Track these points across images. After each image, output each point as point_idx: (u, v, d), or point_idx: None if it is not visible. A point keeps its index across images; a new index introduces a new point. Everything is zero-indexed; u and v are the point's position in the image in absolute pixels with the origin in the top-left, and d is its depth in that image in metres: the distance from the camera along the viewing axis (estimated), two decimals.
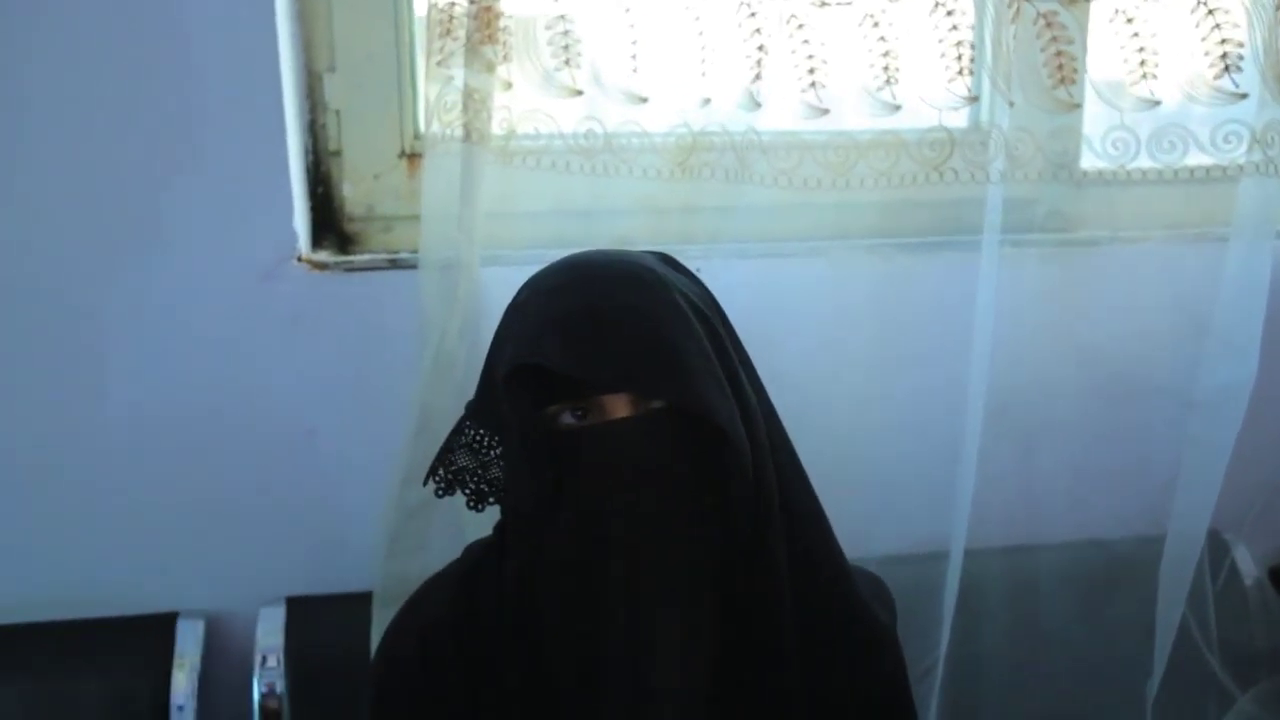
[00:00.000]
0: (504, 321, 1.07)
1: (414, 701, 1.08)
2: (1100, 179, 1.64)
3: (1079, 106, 1.50)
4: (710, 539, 1.01)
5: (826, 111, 1.49)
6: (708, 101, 1.48)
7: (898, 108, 1.47)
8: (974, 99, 1.47)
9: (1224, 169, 1.50)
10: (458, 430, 1.12)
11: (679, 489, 1.00)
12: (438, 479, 1.12)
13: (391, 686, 1.09)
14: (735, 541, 1.01)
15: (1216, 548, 1.69)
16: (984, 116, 1.52)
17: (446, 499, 1.17)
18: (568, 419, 1.01)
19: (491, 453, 1.11)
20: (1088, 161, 1.55)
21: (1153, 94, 1.47)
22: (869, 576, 1.19)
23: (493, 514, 1.14)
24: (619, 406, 1.00)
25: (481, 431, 1.11)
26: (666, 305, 1.01)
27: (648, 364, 0.98)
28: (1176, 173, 1.52)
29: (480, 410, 1.10)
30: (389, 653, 1.12)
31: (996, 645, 1.62)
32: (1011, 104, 1.46)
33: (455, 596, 1.10)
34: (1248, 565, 1.72)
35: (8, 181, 1.47)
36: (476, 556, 1.13)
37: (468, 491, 1.12)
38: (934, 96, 1.47)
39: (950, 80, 1.45)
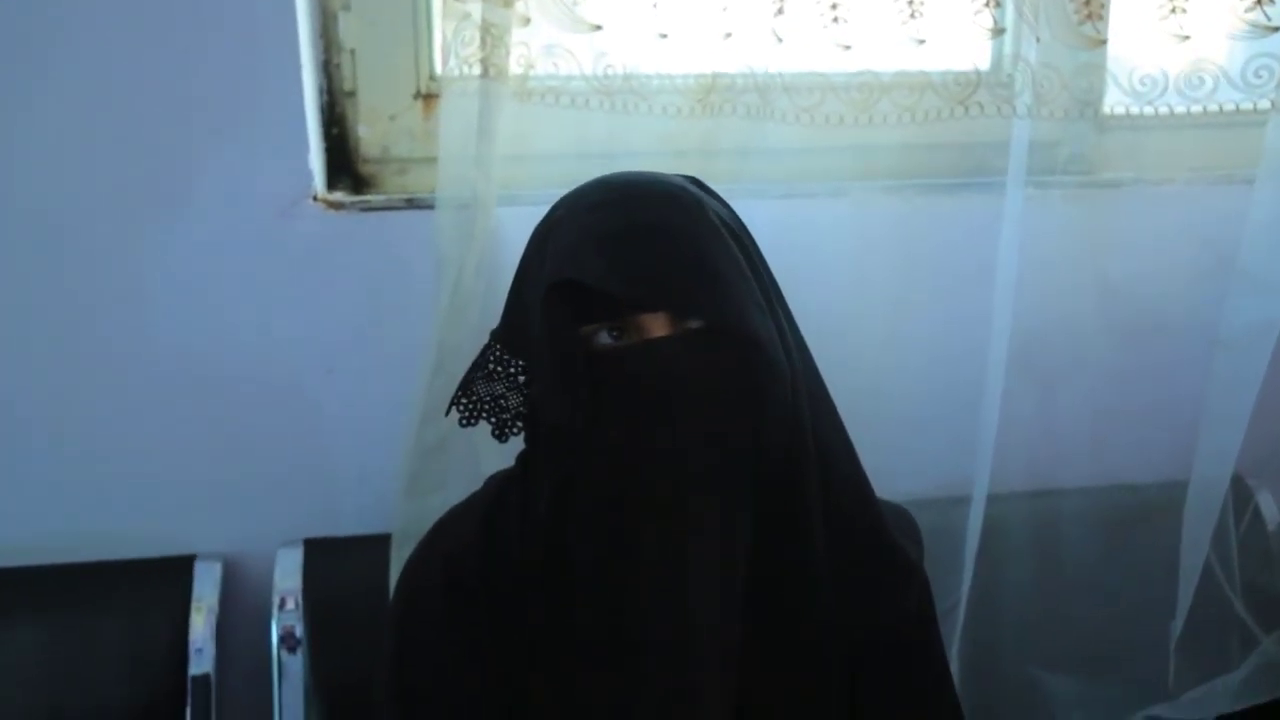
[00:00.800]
0: (536, 239, 1.06)
1: (437, 629, 1.07)
2: (1123, 122, 1.62)
3: (1105, 42, 1.47)
4: (747, 460, 1.00)
5: (849, 48, 1.47)
6: (729, 36, 1.46)
7: (922, 42, 1.45)
8: (1000, 31, 1.44)
9: (1253, 107, 1.47)
10: (482, 358, 1.10)
11: (719, 407, 0.98)
12: (461, 408, 1.11)
13: (414, 615, 1.09)
14: (769, 464, 1.00)
15: (1240, 493, 1.68)
16: (1008, 49, 1.50)
17: (465, 436, 1.16)
18: (604, 339, 0.99)
19: (517, 379, 1.09)
20: (1115, 99, 1.53)
21: (1181, 29, 1.45)
22: (897, 509, 1.18)
23: (513, 447, 1.13)
24: (657, 325, 0.98)
25: (506, 358, 1.09)
26: (705, 224, 1.00)
27: (689, 282, 0.97)
28: (1204, 111, 1.49)
29: (507, 334, 1.09)
30: (411, 581, 1.11)
31: (1019, 586, 1.62)
32: (1038, 39, 1.44)
33: (478, 526, 1.09)
34: (1271, 511, 1.71)
35: (27, 128, 1.45)
36: (499, 486, 1.12)
37: (492, 420, 1.10)
38: (960, 29, 1.44)
39: (977, 12, 1.43)
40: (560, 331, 0.99)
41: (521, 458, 1.11)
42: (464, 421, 1.11)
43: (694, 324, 0.99)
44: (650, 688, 1.00)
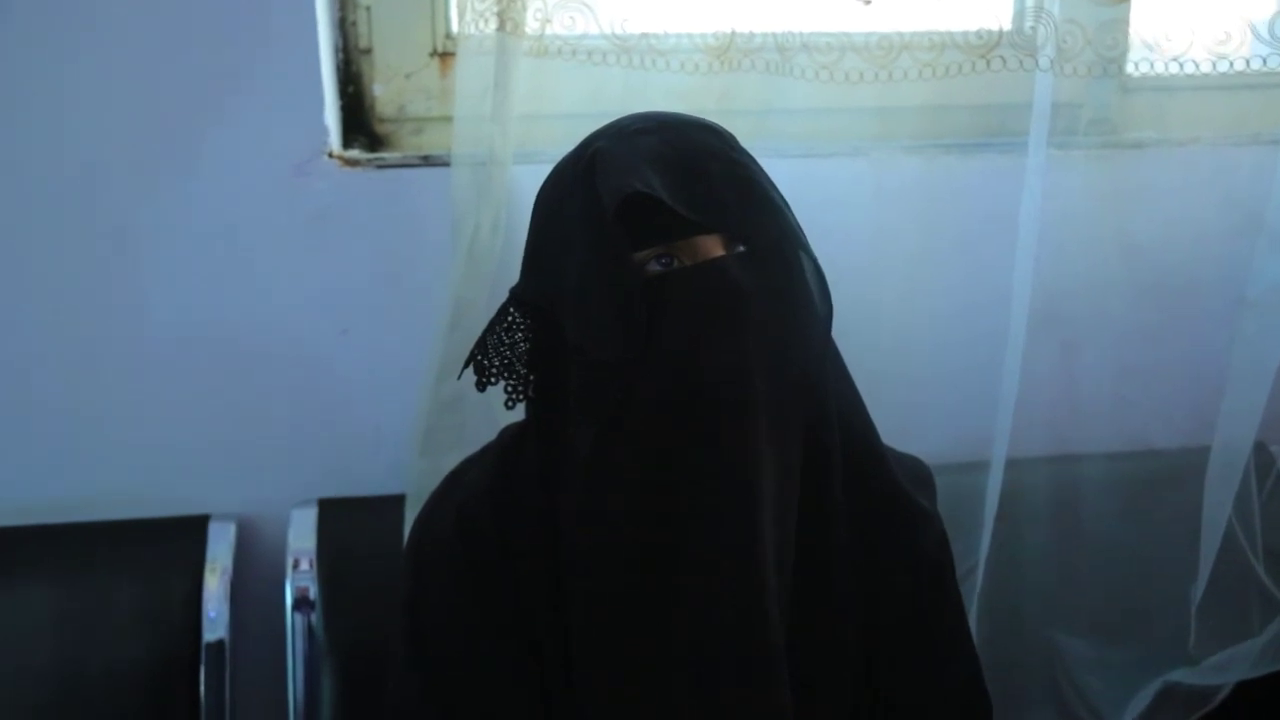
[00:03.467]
0: (571, 171, 1.03)
1: (452, 577, 1.06)
2: (1148, 83, 1.59)
3: None
4: (802, 383, 1.00)
5: (869, 2, 1.46)
6: None
7: None
8: None
9: (1274, 73, 1.45)
10: (500, 317, 1.08)
11: (779, 324, 0.98)
12: (476, 368, 1.08)
13: (429, 562, 1.08)
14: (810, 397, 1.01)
15: (1262, 458, 1.66)
16: (1030, 2, 1.48)
17: (480, 394, 1.14)
18: (654, 267, 0.98)
19: (524, 344, 1.07)
20: (1140, 56, 1.51)
21: None
22: (910, 460, 1.18)
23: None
24: (713, 246, 0.98)
25: (522, 320, 1.07)
26: (745, 153, 1.02)
27: (746, 204, 0.98)
28: (1230, 69, 1.47)
29: (529, 286, 1.06)
30: (426, 529, 1.10)
31: (1038, 550, 1.60)
32: None
33: (492, 475, 1.08)
34: None
35: (41, 87, 1.44)
36: (514, 436, 1.11)
37: (507, 383, 1.08)
38: None
39: None
40: (617, 254, 0.97)
41: (533, 412, 1.09)
42: (480, 385, 1.09)
43: (741, 248, 0.98)
44: (706, 618, 0.98)
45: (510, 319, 1.08)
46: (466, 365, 1.09)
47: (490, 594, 1.05)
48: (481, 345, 1.09)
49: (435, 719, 1.05)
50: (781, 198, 1.03)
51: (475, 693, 1.05)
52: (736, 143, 1.04)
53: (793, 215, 1.04)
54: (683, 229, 0.97)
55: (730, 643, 0.97)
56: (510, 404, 1.09)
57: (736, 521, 0.96)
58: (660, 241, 0.97)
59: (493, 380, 1.09)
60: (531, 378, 1.08)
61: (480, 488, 1.08)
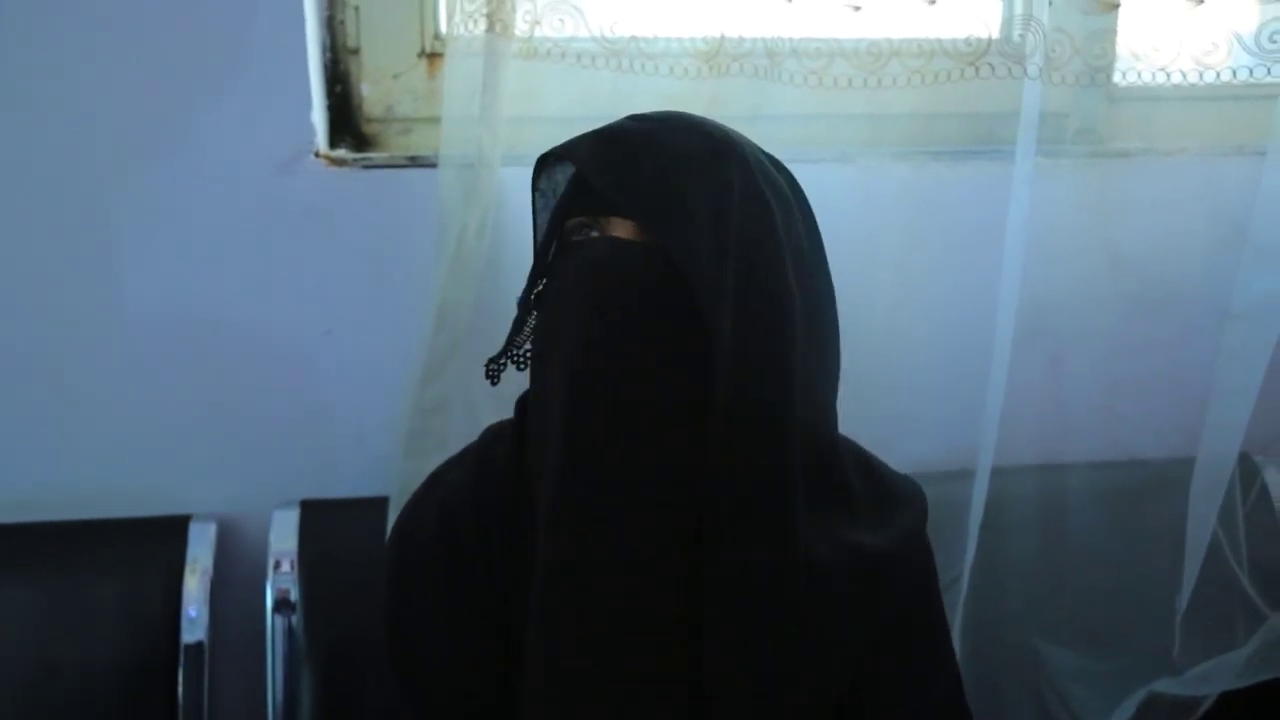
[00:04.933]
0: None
1: (432, 578, 1.05)
2: (1134, 93, 1.60)
3: (1118, 6, 1.46)
4: (677, 381, 0.97)
5: (859, 8, 1.46)
6: None
7: (933, 2, 1.43)
8: None
9: (1267, 71, 1.46)
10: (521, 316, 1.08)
11: (645, 318, 0.96)
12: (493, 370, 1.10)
13: (409, 564, 1.07)
14: (708, 395, 0.97)
15: (1247, 470, 1.66)
16: (1019, 11, 1.48)
17: (464, 397, 1.15)
18: (576, 237, 1.01)
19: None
20: (1127, 66, 1.51)
21: None
22: (906, 485, 1.15)
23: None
24: (622, 230, 0.99)
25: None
26: (713, 156, 1.00)
27: (658, 199, 0.97)
28: (1217, 80, 1.48)
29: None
30: (406, 530, 1.09)
31: (1023, 559, 1.60)
32: (1051, 2, 1.42)
33: (472, 475, 1.08)
34: (1278, 488, 1.69)
35: (27, 83, 1.44)
36: (493, 435, 1.11)
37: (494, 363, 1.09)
38: None
39: None
40: (543, 209, 1.05)
41: (519, 403, 1.09)
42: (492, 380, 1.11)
43: (658, 244, 0.97)
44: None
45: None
46: (498, 371, 1.11)
47: (471, 596, 1.04)
48: (507, 349, 1.10)
49: None
50: (727, 215, 0.99)
51: (456, 695, 1.05)
52: (729, 147, 1.01)
53: (727, 217, 0.99)
54: (601, 206, 0.99)
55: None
56: (492, 379, 1.10)
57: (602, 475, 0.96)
58: (584, 213, 1.01)
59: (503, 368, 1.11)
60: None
61: (462, 488, 1.08)
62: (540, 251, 1.05)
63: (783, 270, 1.03)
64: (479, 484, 1.07)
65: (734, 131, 1.07)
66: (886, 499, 1.12)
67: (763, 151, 1.09)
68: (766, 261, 1.02)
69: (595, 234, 1.00)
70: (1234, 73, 1.46)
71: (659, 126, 1.02)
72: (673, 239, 0.96)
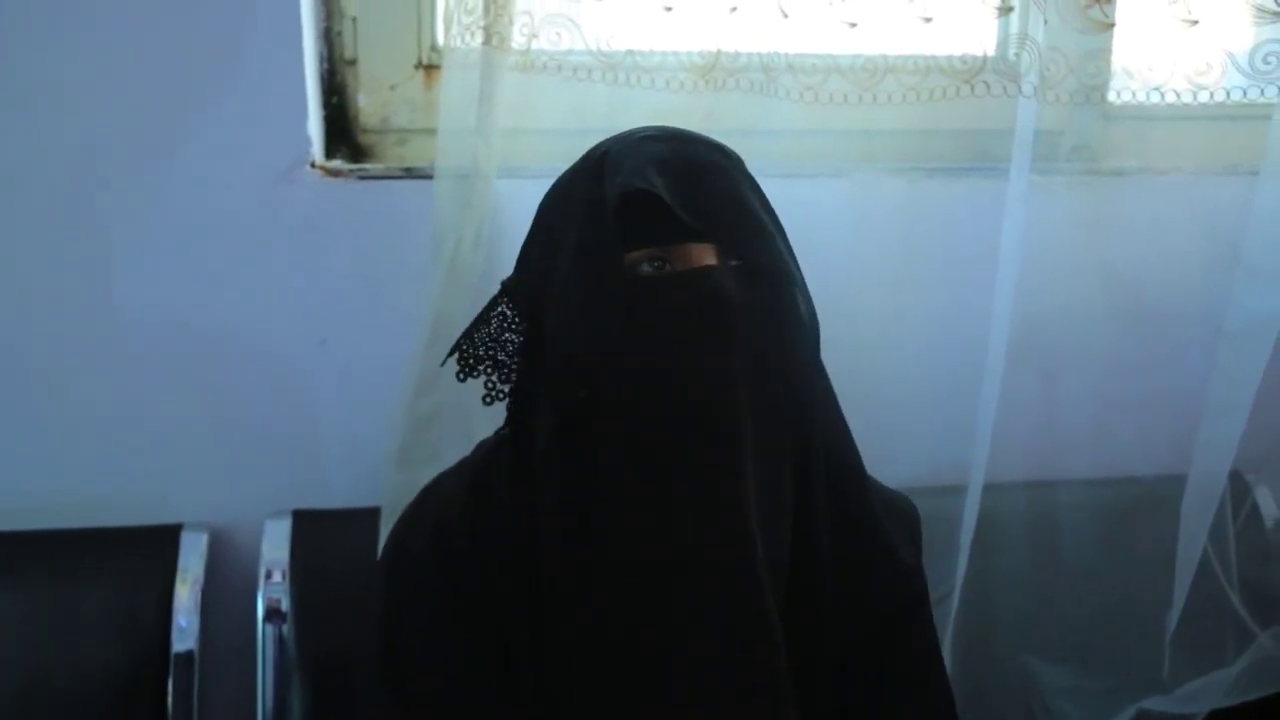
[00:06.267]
0: (581, 174, 1.04)
1: (426, 591, 1.05)
2: (1129, 111, 1.61)
3: (1112, 26, 1.47)
4: (782, 400, 1.00)
5: (855, 25, 1.46)
6: (734, 10, 1.45)
7: (929, 20, 1.44)
8: (1009, 9, 1.43)
9: (1260, 93, 1.46)
10: (489, 309, 1.08)
11: (764, 338, 0.99)
12: (461, 358, 1.09)
13: (403, 576, 1.07)
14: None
15: (1238, 488, 1.67)
16: (1015, 30, 1.48)
17: (458, 408, 1.14)
18: (644, 269, 0.98)
19: (515, 338, 1.08)
20: (1122, 85, 1.52)
21: (1190, 13, 1.43)
22: (900, 501, 1.17)
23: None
24: (705, 256, 0.98)
25: (510, 311, 1.08)
26: (746, 175, 1.05)
27: (741, 219, 0.99)
28: (1211, 100, 1.48)
29: (520, 283, 1.07)
30: (400, 543, 1.09)
31: (1014, 576, 1.61)
32: (1046, 20, 1.43)
33: (467, 488, 1.08)
34: (1269, 507, 1.70)
35: (24, 92, 1.44)
36: (490, 449, 1.10)
37: (488, 375, 1.08)
38: (967, 5, 1.44)
39: None
40: (609, 250, 0.97)
41: (511, 418, 1.09)
42: (461, 375, 1.09)
43: (734, 261, 0.99)
44: (701, 635, 0.96)
45: (499, 311, 1.09)
46: (451, 354, 1.10)
47: (465, 610, 1.04)
48: (469, 336, 1.09)
49: None
50: (778, 224, 1.04)
51: (448, 710, 1.04)
52: (743, 165, 1.06)
53: (787, 242, 1.04)
54: (679, 233, 0.97)
55: (730, 660, 0.95)
56: (488, 400, 1.09)
57: (724, 528, 0.95)
58: (655, 243, 0.98)
59: (474, 373, 1.09)
60: (513, 368, 1.08)
61: (456, 502, 1.07)
62: (601, 291, 0.99)
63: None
64: (475, 498, 1.06)
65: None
66: (895, 510, 1.15)
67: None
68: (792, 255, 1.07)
69: (665, 265, 0.98)
70: (1228, 93, 1.45)
71: (684, 145, 1.03)
72: (774, 257, 1.00)
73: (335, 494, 1.57)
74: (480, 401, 1.10)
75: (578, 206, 1.01)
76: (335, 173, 1.53)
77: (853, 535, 1.07)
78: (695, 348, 0.96)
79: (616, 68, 1.48)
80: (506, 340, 1.08)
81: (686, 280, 0.98)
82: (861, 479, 1.10)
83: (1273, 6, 1.40)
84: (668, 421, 0.96)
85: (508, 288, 1.08)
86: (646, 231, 0.97)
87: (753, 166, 1.49)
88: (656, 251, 0.98)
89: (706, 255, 0.98)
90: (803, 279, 1.05)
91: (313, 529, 1.56)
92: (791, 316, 1.02)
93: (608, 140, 1.06)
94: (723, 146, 1.06)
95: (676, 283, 0.98)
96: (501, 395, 1.09)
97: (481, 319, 1.09)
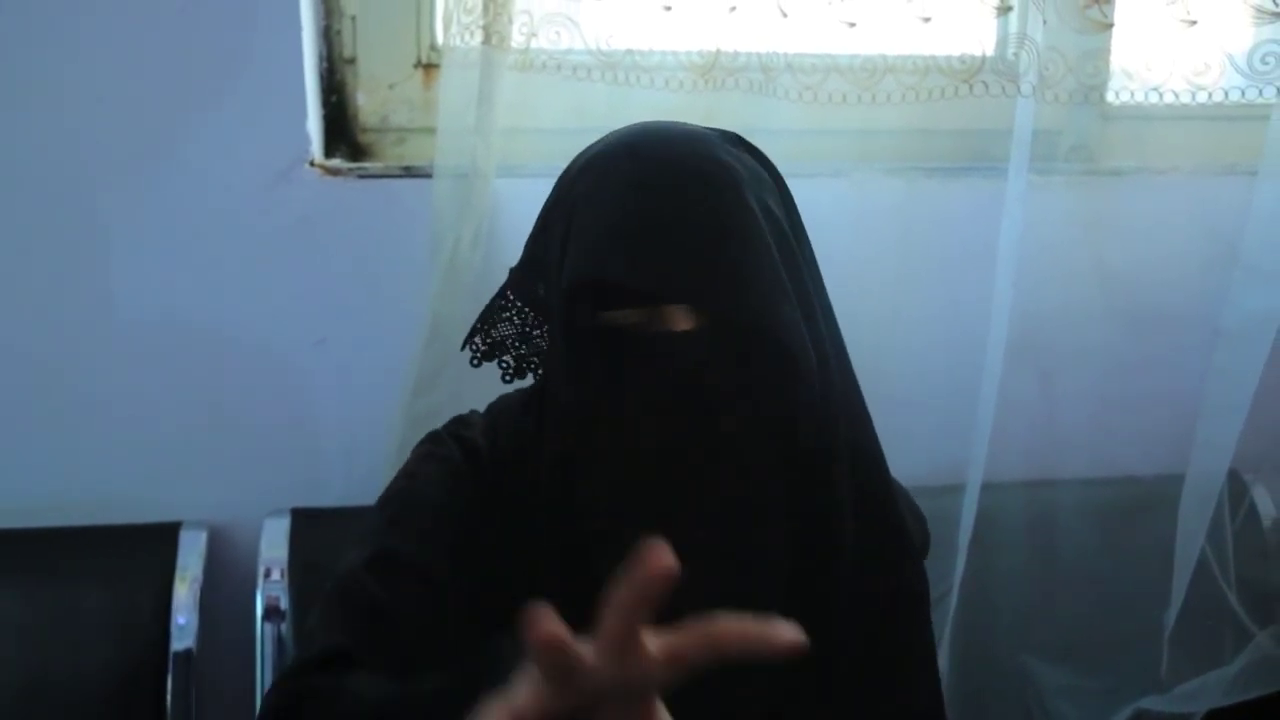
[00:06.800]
0: (560, 201, 1.02)
1: (450, 476, 1.04)
2: (1127, 111, 1.61)
3: (1111, 26, 1.47)
4: (779, 450, 0.98)
5: (854, 25, 1.47)
6: (733, 9, 1.45)
7: (928, 20, 1.44)
8: (1008, 8, 1.44)
9: (1259, 93, 1.46)
10: (499, 297, 1.08)
11: (749, 401, 0.97)
12: (474, 347, 1.09)
13: (429, 458, 1.06)
14: (800, 454, 0.99)
15: (1236, 488, 1.67)
16: (1014, 29, 1.49)
17: (457, 407, 1.13)
18: (627, 319, 0.97)
19: (533, 328, 1.08)
20: (1120, 85, 1.52)
21: (1189, 13, 1.44)
22: (905, 496, 1.16)
23: None
24: (679, 317, 0.96)
25: (518, 304, 1.08)
26: (734, 206, 0.96)
27: (708, 277, 0.95)
28: (1209, 100, 1.49)
29: (522, 284, 1.07)
30: (428, 448, 1.07)
31: (1012, 575, 1.61)
32: (1045, 20, 1.43)
33: (485, 432, 1.07)
34: (1266, 506, 1.70)
35: (24, 91, 1.44)
36: (520, 399, 1.10)
37: (505, 364, 1.09)
38: (966, 5, 1.44)
39: None
40: (581, 324, 0.97)
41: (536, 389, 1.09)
42: (475, 361, 1.09)
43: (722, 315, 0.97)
44: None
45: (505, 307, 1.09)
46: (466, 344, 1.09)
47: (470, 535, 1.02)
48: (483, 322, 1.09)
49: (378, 597, 1.03)
50: (770, 253, 0.97)
51: (419, 595, 1.01)
52: (735, 190, 0.97)
53: (790, 263, 1.00)
54: (646, 298, 0.96)
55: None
56: (508, 379, 1.10)
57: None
58: (626, 306, 0.97)
59: (490, 358, 1.09)
60: (526, 365, 1.10)
61: (477, 439, 1.06)
62: (579, 355, 0.99)
63: (816, 274, 1.07)
64: (490, 443, 1.06)
65: (712, 139, 1.03)
66: (912, 510, 1.15)
67: (727, 136, 1.06)
68: (812, 275, 1.04)
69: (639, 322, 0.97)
70: (1226, 93, 1.46)
71: (659, 183, 0.96)
72: (747, 311, 0.96)
73: (334, 492, 1.57)
74: (479, 398, 1.11)
75: (555, 246, 1.00)
76: (334, 171, 1.53)
77: (877, 534, 1.06)
78: (680, 415, 0.96)
79: (616, 67, 1.48)
80: (511, 326, 1.09)
81: (662, 343, 0.96)
82: (885, 479, 1.09)
83: (1271, 7, 1.40)
84: (665, 483, 0.97)
85: (512, 283, 1.08)
86: (617, 297, 0.96)
87: None
88: (634, 314, 0.97)
89: (679, 316, 0.96)
90: (812, 292, 1.03)
91: (311, 527, 1.56)
92: (782, 355, 0.97)
93: (591, 166, 1.01)
94: (715, 167, 0.98)
95: (653, 343, 0.97)
96: (528, 370, 1.10)
97: (492, 309, 1.09)
